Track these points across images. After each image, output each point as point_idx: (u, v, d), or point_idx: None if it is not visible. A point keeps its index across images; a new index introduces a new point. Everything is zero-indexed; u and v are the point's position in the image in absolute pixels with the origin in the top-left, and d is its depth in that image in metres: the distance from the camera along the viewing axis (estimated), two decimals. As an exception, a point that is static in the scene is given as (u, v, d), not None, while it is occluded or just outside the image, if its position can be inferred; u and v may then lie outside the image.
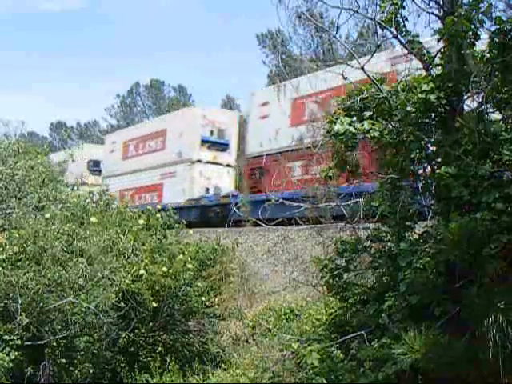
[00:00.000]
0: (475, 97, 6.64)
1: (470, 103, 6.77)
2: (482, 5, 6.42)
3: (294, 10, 7.86)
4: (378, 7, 7.11)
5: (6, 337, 9.03)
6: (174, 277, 11.28)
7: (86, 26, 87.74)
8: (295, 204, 8.09)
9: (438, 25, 6.99)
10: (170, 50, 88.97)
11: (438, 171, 6.49)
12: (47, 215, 11.17)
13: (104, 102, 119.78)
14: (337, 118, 7.01)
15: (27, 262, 9.80)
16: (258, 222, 8.61)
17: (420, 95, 6.51)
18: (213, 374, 10.23)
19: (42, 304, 9.51)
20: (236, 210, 11.82)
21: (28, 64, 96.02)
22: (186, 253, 12.18)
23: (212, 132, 21.93)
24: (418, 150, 6.84)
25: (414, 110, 6.58)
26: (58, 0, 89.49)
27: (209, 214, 19.80)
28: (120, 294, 10.31)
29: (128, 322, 10.73)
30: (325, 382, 7.12)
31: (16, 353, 8.86)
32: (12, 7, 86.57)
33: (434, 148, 6.86)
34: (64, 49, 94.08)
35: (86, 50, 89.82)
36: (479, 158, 6.28)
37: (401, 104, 6.69)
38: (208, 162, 21.48)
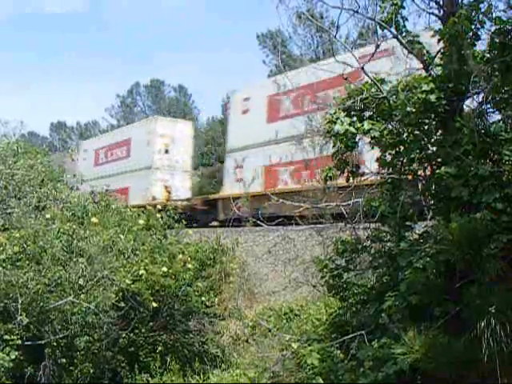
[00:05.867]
0: (475, 97, 6.65)
1: (470, 103, 6.78)
2: (482, 5, 6.43)
3: (294, 10, 7.88)
4: (378, 7, 7.12)
5: (6, 336, 9.01)
6: (173, 277, 11.27)
7: (88, 26, 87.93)
8: (296, 203, 8.10)
9: (438, 25, 7.01)
10: (171, 50, 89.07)
11: (438, 171, 6.50)
12: (48, 215, 11.16)
13: (104, 101, 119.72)
14: (337, 118, 7.02)
15: (27, 262, 9.79)
16: (258, 221, 8.62)
17: (420, 95, 6.52)
18: (213, 373, 10.23)
19: (42, 304, 9.50)
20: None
21: (28, 64, 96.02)
22: (186, 253, 12.17)
23: None
24: (418, 150, 6.85)
25: (414, 110, 6.58)
26: (61, 2, 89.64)
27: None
28: (120, 294, 10.29)
29: (128, 322, 10.71)
30: (325, 382, 7.12)
31: (16, 352, 8.83)
32: (15, 8, 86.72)
33: (434, 148, 6.86)
34: (64, 49, 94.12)
35: (87, 50, 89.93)
36: (479, 158, 6.29)
37: (401, 104, 6.69)
38: None
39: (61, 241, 10.08)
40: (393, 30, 7.10)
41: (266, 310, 12.10)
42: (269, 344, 9.33)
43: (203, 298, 11.69)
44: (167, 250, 11.97)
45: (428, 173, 7.04)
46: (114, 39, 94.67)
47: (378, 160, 7.31)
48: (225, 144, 19.16)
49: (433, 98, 6.50)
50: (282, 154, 15.45)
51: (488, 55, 6.38)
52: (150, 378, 10.48)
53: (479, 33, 6.51)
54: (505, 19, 6.23)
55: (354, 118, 7.08)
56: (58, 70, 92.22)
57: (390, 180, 7.22)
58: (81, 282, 9.74)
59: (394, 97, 6.90)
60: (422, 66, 7.11)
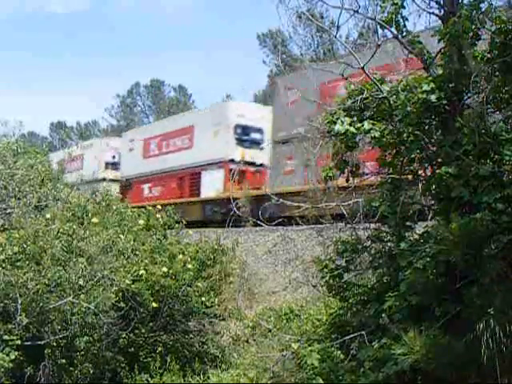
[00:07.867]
0: (476, 97, 6.63)
1: (470, 103, 6.77)
2: (482, 5, 6.42)
3: (294, 10, 7.87)
4: (379, 7, 7.11)
5: (5, 337, 9.00)
6: (174, 277, 11.26)
7: (88, 26, 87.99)
8: (295, 204, 8.09)
9: (439, 25, 7.00)
10: (171, 50, 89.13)
11: (438, 171, 6.49)
12: (48, 215, 11.16)
13: (104, 101, 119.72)
14: (337, 118, 7.01)
15: (27, 262, 9.78)
16: (258, 222, 8.61)
17: (420, 95, 6.51)
18: (213, 374, 10.21)
19: (41, 304, 9.49)
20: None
21: (28, 64, 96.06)
22: (186, 253, 12.16)
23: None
24: (418, 150, 6.84)
25: (414, 110, 6.57)
26: (61, 2, 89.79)
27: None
28: (120, 294, 10.28)
29: (128, 322, 10.70)
30: (325, 382, 7.11)
31: (16, 353, 8.82)
32: (15, 8, 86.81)
33: (435, 148, 6.85)
34: (65, 49, 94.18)
35: (87, 50, 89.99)
36: (479, 158, 6.28)
37: (401, 104, 6.68)
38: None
39: (61, 241, 10.07)
40: (393, 29, 7.09)
41: (266, 310, 12.09)
42: (269, 344, 9.31)
43: (203, 299, 11.68)
44: (167, 250, 11.96)
45: (428, 173, 7.03)
46: (114, 39, 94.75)
47: (378, 160, 7.31)
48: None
49: (433, 97, 6.48)
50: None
51: (488, 55, 6.37)
52: (149, 379, 10.47)
53: (479, 33, 6.50)
54: (505, 19, 6.22)
55: (355, 118, 7.07)
56: (58, 70, 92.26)
57: (389, 180, 7.21)
58: (81, 282, 9.73)
59: (395, 97, 6.89)
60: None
